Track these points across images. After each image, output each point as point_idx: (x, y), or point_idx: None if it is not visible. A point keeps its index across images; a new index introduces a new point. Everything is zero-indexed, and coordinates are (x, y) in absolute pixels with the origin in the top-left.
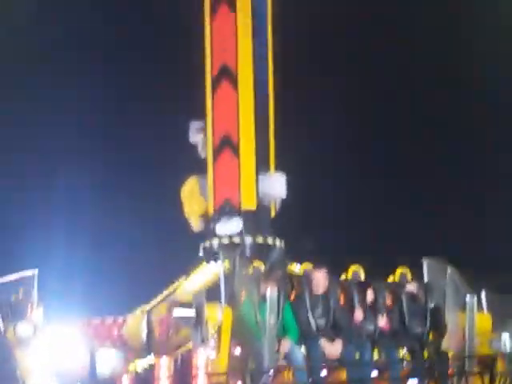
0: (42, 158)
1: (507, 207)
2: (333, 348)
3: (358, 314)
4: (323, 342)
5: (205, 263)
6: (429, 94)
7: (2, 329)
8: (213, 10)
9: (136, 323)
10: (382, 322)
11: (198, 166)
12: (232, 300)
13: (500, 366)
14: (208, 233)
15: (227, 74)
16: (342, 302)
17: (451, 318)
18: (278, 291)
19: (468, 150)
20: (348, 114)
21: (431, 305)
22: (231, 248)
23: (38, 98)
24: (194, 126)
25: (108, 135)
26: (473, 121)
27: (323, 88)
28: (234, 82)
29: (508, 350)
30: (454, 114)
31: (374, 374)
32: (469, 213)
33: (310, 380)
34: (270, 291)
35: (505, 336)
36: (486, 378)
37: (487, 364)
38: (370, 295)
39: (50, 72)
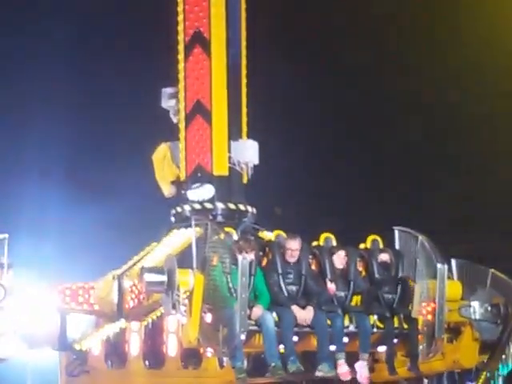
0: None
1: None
2: (304, 315)
3: (331, 284)
4: (295, 309)
5: (176, 229)
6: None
7: None
8: None
9: (107, 288)
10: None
11: (169, 132)
12: (203, 266)
13: (469, 333)
14: (180, 199)
15: (200, 40)
16: (314, 268)
17: (422, 285)
18: (250, 257)
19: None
20: (323, 81)
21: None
22: (203, 214)
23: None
24: (167, 91)
25: (81, 100)
26: None
27: (296, 56)
28: (206, 47)
29: (477, 317)
30: None
31: (345, 340)
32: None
33: (281, 346)
34: (242, 257)
35: (474, 303)
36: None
37: (456, 331)
38: (342, 261)
39: None
